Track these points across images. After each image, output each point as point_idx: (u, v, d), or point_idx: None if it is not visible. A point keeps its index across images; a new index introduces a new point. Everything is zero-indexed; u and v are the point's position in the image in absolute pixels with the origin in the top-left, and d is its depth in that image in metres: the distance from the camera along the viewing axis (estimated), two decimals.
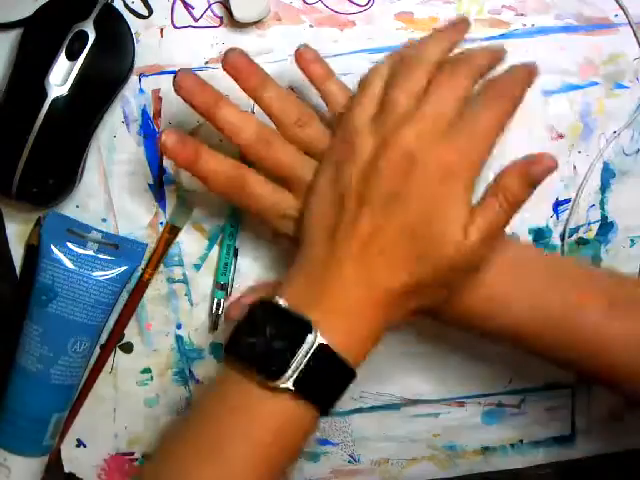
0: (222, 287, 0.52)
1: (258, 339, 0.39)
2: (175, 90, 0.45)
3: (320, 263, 0.41)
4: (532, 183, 0.41)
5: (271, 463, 0.40)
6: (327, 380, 0.40)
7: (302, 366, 0.39)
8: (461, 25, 0.44)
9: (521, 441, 0.56)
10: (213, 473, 0.40)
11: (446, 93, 0.41)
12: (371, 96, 0.43)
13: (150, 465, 0.44)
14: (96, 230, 0.51)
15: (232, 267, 0.52)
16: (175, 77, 0.45)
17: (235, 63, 0.45)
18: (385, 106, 0.42)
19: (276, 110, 0.46)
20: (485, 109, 0.41)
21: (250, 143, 0.45)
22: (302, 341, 0.39)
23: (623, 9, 0.52)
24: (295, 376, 0.39)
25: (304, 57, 0.46)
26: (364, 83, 0.44)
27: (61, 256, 0.50)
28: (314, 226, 0.43)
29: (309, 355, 0.39)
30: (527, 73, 0.43)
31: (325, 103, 0.47)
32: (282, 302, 0.40)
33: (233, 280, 0.52)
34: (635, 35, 0.52)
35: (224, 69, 0.45)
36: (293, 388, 0.39)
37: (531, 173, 0.41)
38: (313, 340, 0.39)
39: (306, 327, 0.39)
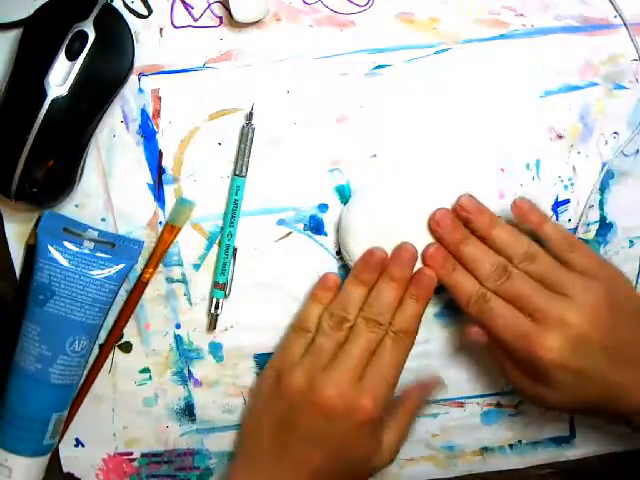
0: (221, 287, 0.52)
1: None
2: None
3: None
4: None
5: None
6: None
7: None
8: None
9: (520, 441, 0.56)
10: None
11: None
12: None
13: None
14: (92, 228, 0.51)
15: (231, 267, 0.52)
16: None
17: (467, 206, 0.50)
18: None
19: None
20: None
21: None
22: None
23: (617, 10, 0.52)
24: None
25: (520, 208, 0.50)
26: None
27: (58, 255, 0.50)
28: None
29: None
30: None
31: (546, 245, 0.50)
32: None
33: (232, 280, 0.52)
34: (630, 36, 0.52)
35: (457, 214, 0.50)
36: None
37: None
38: None
39: None
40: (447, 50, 0.51)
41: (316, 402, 0.48)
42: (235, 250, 0.52)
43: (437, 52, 0.51)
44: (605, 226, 0.53)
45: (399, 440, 0.51)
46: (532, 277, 0.48)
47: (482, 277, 0.49)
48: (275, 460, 0.49)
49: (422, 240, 0.50)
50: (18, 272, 0.52)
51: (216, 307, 0.52)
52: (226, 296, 0.52)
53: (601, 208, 0.53)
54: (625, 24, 0.52)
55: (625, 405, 0.48)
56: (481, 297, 0.48)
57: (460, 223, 0.50)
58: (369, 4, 0.51)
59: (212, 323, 0.53)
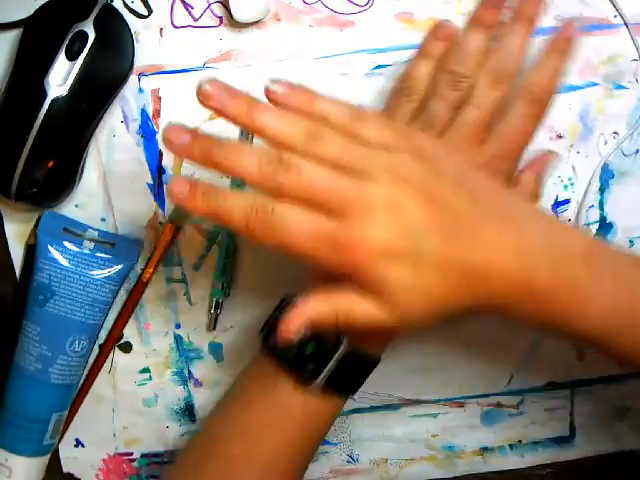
0: (221, 287, 0.52)
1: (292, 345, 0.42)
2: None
3: None
4: None
5: (299, 446, 0.45)
6: (353, 374, 0.45)
7: (332, 369, 0.43)
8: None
9: (520, 441, 0.56)
10: (243, 449, 0.45)
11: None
12: None
13: (191, 441, 0.51)
14: (92, 228, 0.51)
15: (231, 267, 0.52)
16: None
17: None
18: None
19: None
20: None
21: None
22: (333, 350, 0.43)
23: (618, 10, 0.52)
24: (325, 377, 0.43)
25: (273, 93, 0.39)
26: None
27: (57, 255, 0.50)
28: None
29: (339, 360, 0.43)
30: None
31: None
32: None
33: (232, 280, 0.52)
34: (631, 36, 0.52)
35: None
36: (325, 386, 0.43)
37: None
38: (342, 348, 0.43)
39: (337, 337, 0.43)
40: None
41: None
42: (235, 250, 0.52)
43: None
44: (605, 226, 0.53)
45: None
46: (320, 164, 0.37)
47: (254, 181, 0.37)
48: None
49: None
50: (18, 272, 0.52)
51: (216, 307, 0.52)
52: (226, 296, 0.52)
53: (601, 208, 0.53)
54: (625, 24, 0.52)
55: (491, 287, 0.38)
56: (261, 209, 0.36)
57: None
58: (369, 4, 0.51)
59: (212, 323, 0.53)
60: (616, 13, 0.52)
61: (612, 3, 0.52)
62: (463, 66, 0.45)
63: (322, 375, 0.43)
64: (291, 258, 0.37)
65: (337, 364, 0.43)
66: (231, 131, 0.51)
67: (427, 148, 0.39)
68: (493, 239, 0.38)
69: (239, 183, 0.51)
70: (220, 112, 0.39)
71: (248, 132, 0.50)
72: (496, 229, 0.38)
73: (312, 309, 0.38)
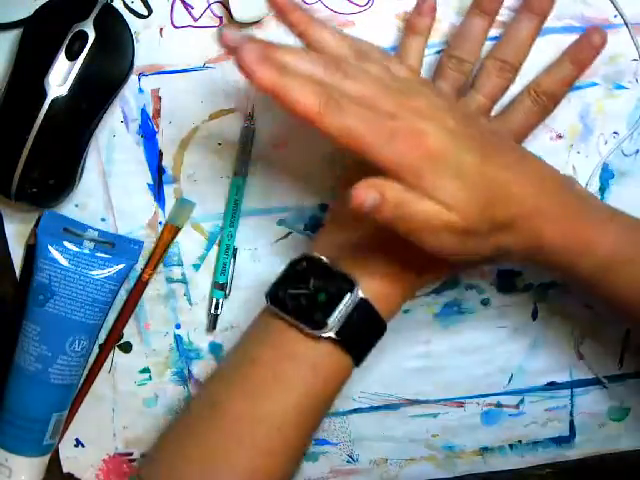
0: (221, 287, 0.52)
1: (302, 291, 0.43)
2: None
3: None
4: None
5: (307, 410, 0.44)
6: (364, 331, 0.44)
7: (343, 318, 0.43)
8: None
9: (520, 441, 0.56)
10: (249, 408, 0.44)
11: None
12: None
13: (187, 405, 0.50)
14: (92, 228, 0.51)
15: (230, 267, 0.52)
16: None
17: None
18: None
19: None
20: None
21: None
22: (344, 295, 0.43)
23: (618, 10, 0.51)
24: (336, 327, 0.43)
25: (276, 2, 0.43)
26: None
27: (57, 255, 0.50)
28: None
29: (350, 308, 0.43)
30: None
31: None
32: (325, 259, 0.44)
33: (232, 280, 0.52)
34: (631, 36, 0.52)
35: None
36: (334, 337, 0.43)
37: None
38: (354, 295, 0.43)
39: (348, 283, 0.43)
40: None
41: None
42: (235, 250, 0.52)
43: (437, 52, 0.51)
44: None
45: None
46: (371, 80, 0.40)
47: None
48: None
49: None
50: (18, 272, 0.52)
51: (216, 307, 0.53)
52: (226, 296, 0.52)
53: None
54: (625, 24, 0.52)
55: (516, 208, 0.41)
56: (332, 94, 0.38)
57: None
58: (369, 4, 0.51)
59: (212, 323, 0.53)
60: (616, 13, 0.52)
61: (612, 3, 0.52)
62: (463, 50, 0.48)
63: (331, 319, 0.42)
64: (345, 149, 0.39)
65: (347, 314, 0.43)
66: (231, 131, 0.51)
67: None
68: (516, 168, 0.42)
69: (239, 184, 0.51)
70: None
71: (247, 142, 0.51)
72: (517, 161, 0.43)
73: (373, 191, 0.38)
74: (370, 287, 0.44)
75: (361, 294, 0.43)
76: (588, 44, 0.49)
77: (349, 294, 0.43)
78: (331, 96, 0.38)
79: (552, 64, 0.49)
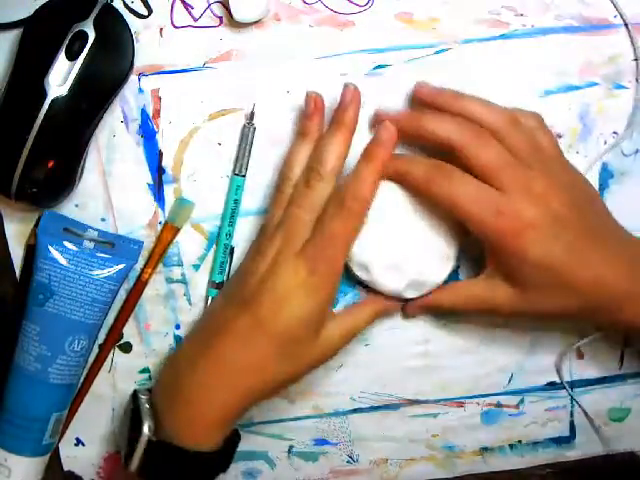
0: (217, 286, 0.52)
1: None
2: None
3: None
4: None
5: None
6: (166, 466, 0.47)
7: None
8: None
9: (520, 441, 0.56)
10: None
11: None
12: None
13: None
14: (92, 228, 0.51)
15: (228, 266, 0.52)
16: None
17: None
18: None
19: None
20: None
21: None
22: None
23: (618, 10, 0.51)
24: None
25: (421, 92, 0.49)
26: None
27: (57, 255, 0.50)
28: None
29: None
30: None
31: None
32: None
33: (228, 279, 0.52)
34: (630, 36, 0.52)
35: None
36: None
37: None
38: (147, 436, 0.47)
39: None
40: (447, 50, 0.51)
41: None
42: (232, 249, 0.52)
43: (437, 52, 0.51)
44: None
45: (341, 335, 0.48)
46: (511, 148, 0.46)
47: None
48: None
49: (422, 239, 0.49)
50: (18, 272, 0.53)
51: None
52: None
53: None
54: (625, 24, 0.52)
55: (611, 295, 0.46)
56: (440, 166, 0.46)
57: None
58: (369, 4, 0.51)
59: None
60: (616, 13, 0.52)
61: (612, 3, 0.52)
62: (291, 171, 0.49)
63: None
64: (452, 214, 0.46)
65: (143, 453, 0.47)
66: (231, 131, 0.51)
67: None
68: (610, 260, 0.46)
69: (238, 184, 0.51)
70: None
71: (247, 141, 0.51)
72: (605, 247, 0.46)
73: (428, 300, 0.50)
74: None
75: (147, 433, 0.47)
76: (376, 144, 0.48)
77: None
78: (440, 168, 0.45)
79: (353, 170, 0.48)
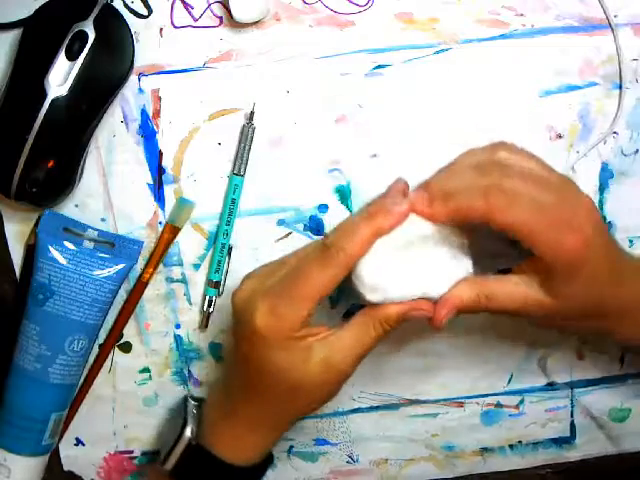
0: (214, 285, 0.52)
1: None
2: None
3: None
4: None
5: None
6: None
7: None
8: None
9: (520, 441, 0.56)
10: None
11: None
12: None
13: None
14: (92, 228, 0.52)
15: (225, 265, 0.52)
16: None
17: None
18: None
19: None
20: None
21: None
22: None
23: (618, 10, 0.51)
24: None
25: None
26: None
27: (57, 255, 0.50)
28: None
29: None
30: None
31: None
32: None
33: (226, 278, 0.52)
34: (614, 35, 0.51)
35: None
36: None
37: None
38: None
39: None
40: (447, 50, 0.51)
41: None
42: (230, 249, 0.52)
43: (437, 52, 0.51)
44: None
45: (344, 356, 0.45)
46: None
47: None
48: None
49: (423, 241, 0.49)
50: (18, 272, 0.53)
51: (209, 305, 0.53)
52: (219, 294, 0.52)
53: (601, 208, 0.53)
54: (625, 24, 0.52)
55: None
56: (496, 186, 0.42)
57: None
58: (369, 4, 0.51)
59: (205, 321, 0.53)
60: (616, 13, 0.52)
61: (612, 3, 0.52)
62: None
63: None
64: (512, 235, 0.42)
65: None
66: (230, 131, 0.51)
67: None
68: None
69: (237, 183, 0.51)
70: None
71: (246, 141, 0.51)
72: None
73: (458, 297, 0.45)
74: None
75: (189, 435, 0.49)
76: None
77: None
78: (497, 188, 0.42)
79: None
